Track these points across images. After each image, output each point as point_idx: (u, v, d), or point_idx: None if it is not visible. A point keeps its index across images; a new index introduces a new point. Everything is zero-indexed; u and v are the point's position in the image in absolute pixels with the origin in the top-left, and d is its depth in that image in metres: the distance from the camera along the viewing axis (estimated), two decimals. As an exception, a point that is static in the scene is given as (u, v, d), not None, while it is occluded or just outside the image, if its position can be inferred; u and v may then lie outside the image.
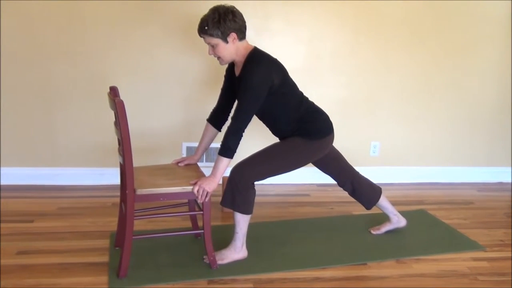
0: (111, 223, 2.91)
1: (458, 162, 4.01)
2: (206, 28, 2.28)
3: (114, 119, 2.31)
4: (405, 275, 2.47)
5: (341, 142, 3.45)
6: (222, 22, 2.25)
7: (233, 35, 2.30)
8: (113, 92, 2.34)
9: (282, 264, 2.52)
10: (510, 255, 2.74)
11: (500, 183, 4.06)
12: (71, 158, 3.54)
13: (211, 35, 2.29)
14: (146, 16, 3.35)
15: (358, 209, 3.16)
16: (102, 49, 3.37)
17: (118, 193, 2.65)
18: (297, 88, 2.52)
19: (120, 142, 2.21)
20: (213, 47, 2.34)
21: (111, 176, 3.48)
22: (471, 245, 2.83)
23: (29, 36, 3.28)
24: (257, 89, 2.30)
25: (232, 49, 2.34)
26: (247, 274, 2.40)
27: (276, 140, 2.62)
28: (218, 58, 2.38)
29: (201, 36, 2.35)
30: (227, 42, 2.31)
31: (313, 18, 3.52)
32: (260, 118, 2.55)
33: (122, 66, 3.42)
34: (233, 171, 2.40)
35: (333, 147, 2.72)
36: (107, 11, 3.30)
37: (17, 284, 2.22)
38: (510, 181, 4.10)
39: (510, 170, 4.09)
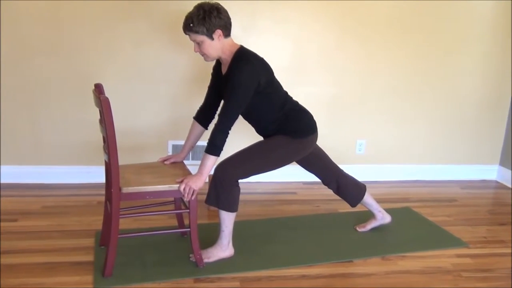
0: (96, 222, 2.88)
1: (442, 160, 4.06)
2: (191, 25, 2.27)
3: (99, 116, 2.29)
4: (390, 272, 2.49)
5: (327, 140, 3.48)
6: (207, 19, 2.25)
7: (218, 32, 2.30)
8: (98, 90, 2.32)
9: (268, 262, 2.53)
10: (492, 251, 2.79)
11: (483, 181, 4.12)
12: (56, 156, 3.50)
13: (196, 32, 2.28)
14: (132, 13, 3.33)
15: (344, 207, 3.19)
16: (87, 46, 3.34)
17: (104, 192, 2.64)
18: (282, 88, 2.53)
19: (106, 140, 2.19)
20: (198, 44, 2.34)
21: (97, 175, 3.45)
22: (455, 242, 2.87)
23: (13, 32, 3.23)
24: (245, 88, 2.30)
25: (218, 46, 2.34)
26: (233, 272, 2.40)
27: (260, 138, 2.62)
28: (203, 55, 2.38)
29: (186, 34, 2.34)
30: (212, 39, 2.31)
31: (301, 16, 3.53)
32: (245, 117, 2.55)
33: (108, 63, 3.39)
34: (217, 169, 2.40)
35: (317, 145, 2.73)
36: (92, 8, 3.27)
37: (1, 284, 2.19)
38: (493, 179, 4.16)
39: (493, 168, 4.15)
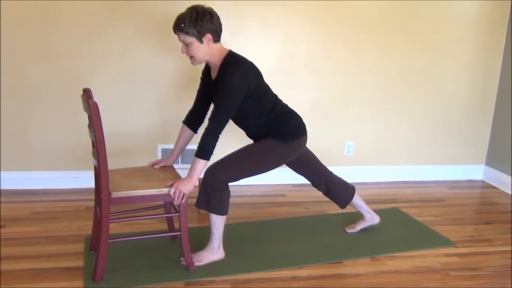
0: (86, 227, 2.87)
1: (429, 161, 4.11)
2: (182, 25, 2.28)
3: (88, 121, 2.29)
4: (380, 272, 2.52)
5: (316, 142, 3.50)
6: (199, 22, 2.26)
7: (208, 36, 2.31)
8: (87, 94, 2.31)
9: (259, 264, 2.53)
10: (480, 250, 2.83)
11: (470, 181, 4.17)
12: (44, 162, 3.47)
13: (187, 33, 2.29)
14: (120, 17, 3.32)
15: (334, 209, 3.21)
16: (75, 50, 3.32)
17: (92, 197, 2.62)
18: (271, 91, 2.55)
19: (95, 145, 2.19)
20: (187, 45, 2.34)
21: (85, 180, 3.43)
22: (443, 242, 2.90)
23: (1, 37, 3.22)
24: (235, 92, 2.31)
25: (206, 50, 2.35)
26: (224, 275, 2.41)
27: (250, 141, 2.64)
28: (191, 57, 2.39)
29: (176, 33, 2.34)
30: (202, 42, 2.31)
31: (288, 20, 3.55)
32: (235, 120, 2.56)
33: (96, 67, 3.38)
34: (207, 173, 2.40)
35: (306, 148, 2.75)
36: (80, 11, 3.26)
37: (-11, 291, 2.18)
38: (479, 179, 4.22)
39: (479, 168, 4.21)
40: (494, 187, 4.02)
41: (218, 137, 2.34)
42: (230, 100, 2.31)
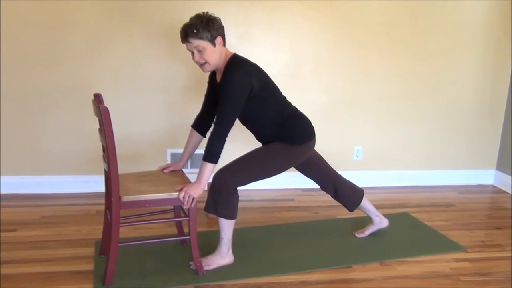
0: (96, 231, 2.89)
1: (439, 166, 4.08)
2: (195, 31, 2.29)
3: (97, 126, 2.31)
4: (389, 277, 2.50)
5: (324, 147, 3.50)
6: (211, 25, 2.30)
7: (219, 39, 2.34)
8: (98, 99, 2.33)
9: (268, 268, 2.53)
10: (490, 255, 2.80)
11: (480, 186, 4.14)
12: (54, 166, 3.50)
13: (201, 38, 2.30)
14: (129, 23, 3.35)
15: (342, 213, 3.21)
16: (85, 56, 3.36)
17: (102, 201, 2.64)
18: (280, 93, 2.55)
19: (105, 149, 2.21)
20: (200, 51, 2.34)
21: (95, 184, 3.45)
22: (453, 247, 2.88)
23: (12, 43, 3.25)
24: (237, 93, 2.32)
25: (218, 54, 2.37)
26: (233, 280, 2.41)
27: (259, 145, 2.64)
28: (204, 63, 2.38)
29: (187, 42, 2.34)
30: (214, 45, 2.34)
31: (294, 25, 3.56)
32: (243, 123, 2.57)
33: (106, 73, 3.41)
34: (216, 177, 2.41)
35: (315, 150, 2.75)
36: (91, 18, 3.30)
37: (1, 294, 2.20)
38: (490, 184, 4.18)
39: (490, 173, 4.17)
40: (505, 192, 3.99)
41: (225, 140, 2.35)
42: (232, 102, 2.32)
